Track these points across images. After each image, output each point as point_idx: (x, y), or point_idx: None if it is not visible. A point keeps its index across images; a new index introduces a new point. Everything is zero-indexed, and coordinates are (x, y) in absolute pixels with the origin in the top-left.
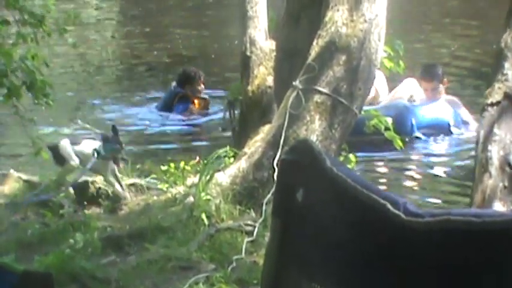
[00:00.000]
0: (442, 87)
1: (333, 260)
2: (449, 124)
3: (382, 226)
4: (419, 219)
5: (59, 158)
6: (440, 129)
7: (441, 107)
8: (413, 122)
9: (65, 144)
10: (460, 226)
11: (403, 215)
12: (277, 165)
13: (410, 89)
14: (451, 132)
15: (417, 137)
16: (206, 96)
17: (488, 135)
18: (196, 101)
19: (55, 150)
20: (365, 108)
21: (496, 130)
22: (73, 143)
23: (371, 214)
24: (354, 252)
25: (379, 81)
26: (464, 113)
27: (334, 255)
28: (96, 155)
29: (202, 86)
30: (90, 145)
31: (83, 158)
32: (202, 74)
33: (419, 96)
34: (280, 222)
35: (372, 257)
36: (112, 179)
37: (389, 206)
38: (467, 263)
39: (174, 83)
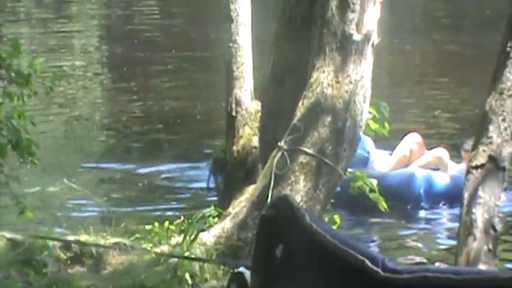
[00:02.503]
0: None
1: None
2: None
3: (360, 282)
4: (398, 276)
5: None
6: (456, 198)
7: (460, 176)
8: (422, 190)
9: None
10: (438, 283)
11: (381, 272)
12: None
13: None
14: None
15: (426, 207)
16: None
17: (473, 198)
18: None
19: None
20: (400, 170)
21: (480, 193)
22: None
23: (350, 270)
24: None
25: (416, 143)
26: None
27: None
28: None
29: None
30: None
31: None
32: None
33: (451, 165)
34: (259, 278)
35: None
36: None
37: (367, 262)
38: None
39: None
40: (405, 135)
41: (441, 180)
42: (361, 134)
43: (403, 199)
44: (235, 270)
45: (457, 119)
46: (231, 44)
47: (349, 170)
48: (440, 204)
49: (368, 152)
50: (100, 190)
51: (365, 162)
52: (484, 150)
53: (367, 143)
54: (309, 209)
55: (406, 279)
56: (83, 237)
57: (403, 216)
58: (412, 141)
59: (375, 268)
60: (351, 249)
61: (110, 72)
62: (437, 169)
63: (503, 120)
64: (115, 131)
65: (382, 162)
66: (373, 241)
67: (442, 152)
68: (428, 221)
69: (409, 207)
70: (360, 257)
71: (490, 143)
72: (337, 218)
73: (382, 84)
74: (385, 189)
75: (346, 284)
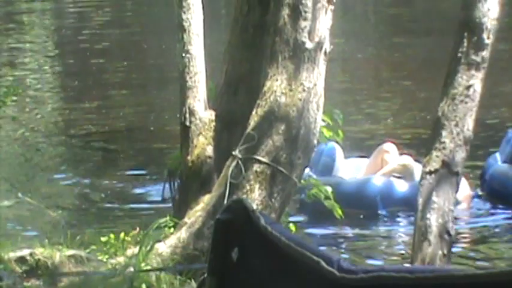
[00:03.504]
0: None
1: None
2: None
3: (316, 283)
4: (353, 276)
5: None
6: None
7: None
8: (378, 197)
9: None
10: (393, 282)
11: (336, 272)
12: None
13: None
14: None
15: (384, 215)
16: None
17: (427, 204)
18: None
19: None
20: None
21: (434, 198)
22: None
23: (305, 271)
24: None
25: (389, 152)
26: (462, 192)
27: None
28: None
29: None
30: None
31: None
32: None
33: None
34: (216, 281)
35: None
36: None
37: (323, 263)
38: None
39: None
40: (379, 145)
41: (400, 187)
42: (332, 141)
43: (360, 206)
44: (204, 275)
45: (415, 125)
46: (183, 54)
47: (314, 177)
48: (398, 212)
49: (333, 160)
50: (55, 203)
51: (330, 170)
52: (437, 156)
53: (335, 151)
54: (264, 212)
55: (361, 279)
56: (38, 250)
57: (360, 223)
58: (386, 150)
59: (331, 269)
60: (307, 251)
61: (62, 84)
62: (401, 177)
63: (456, 125)
64: (68, 143)
65: (354, 171)
66: (330, 247)
67: (406, 160)
68: (385, 227)
69: (363, 215)
70: (316, 258)
71: (443, 148)
72: (292, 226)
73: (335, 92)
74: (343, 196)
75: (302, 286)
